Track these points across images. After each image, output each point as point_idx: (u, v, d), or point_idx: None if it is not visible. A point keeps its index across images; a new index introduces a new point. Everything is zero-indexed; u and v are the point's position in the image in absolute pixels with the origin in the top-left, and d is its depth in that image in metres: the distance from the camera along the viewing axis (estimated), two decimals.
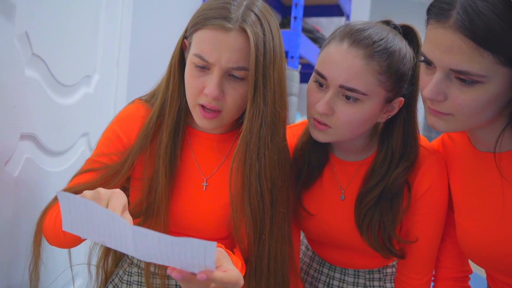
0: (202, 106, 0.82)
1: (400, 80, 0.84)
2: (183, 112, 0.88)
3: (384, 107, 0.86)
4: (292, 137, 0.99)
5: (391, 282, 1.04)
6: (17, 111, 0.91)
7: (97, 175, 0.87)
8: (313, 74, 0.87)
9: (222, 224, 0.90)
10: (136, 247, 0.60)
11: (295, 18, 2.15)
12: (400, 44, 0.84)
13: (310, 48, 2.42)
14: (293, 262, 0.94)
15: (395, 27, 0.89)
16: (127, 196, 0.91)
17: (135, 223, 0.84)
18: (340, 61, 0.81)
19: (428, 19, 0.75)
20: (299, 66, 2.14)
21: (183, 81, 0.85)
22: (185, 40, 0.87)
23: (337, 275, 1.06)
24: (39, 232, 0.87)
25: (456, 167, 0.90)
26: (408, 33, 0.90)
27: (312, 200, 0.99)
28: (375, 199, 0.89)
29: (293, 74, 2.10)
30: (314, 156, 0.96)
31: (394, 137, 0.89)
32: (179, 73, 0.87)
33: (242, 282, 0.70)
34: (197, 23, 0.81)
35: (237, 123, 0.91)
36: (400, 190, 0.89)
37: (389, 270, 1.06)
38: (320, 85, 0.85)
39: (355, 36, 0.81)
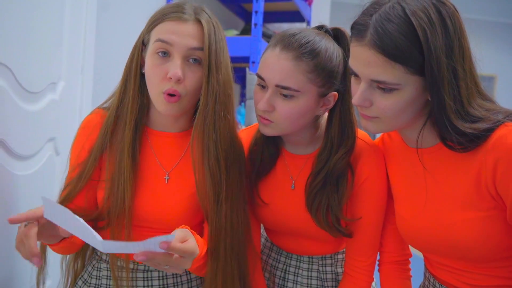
0: (166, 94, 0.90)
1: (329, 76, 0.95)
2: (141, 112, 0.96)
3: (320, 101, 0.97)
4: (247, 137, 1.10)
5: (341, 267, 1.14)
6: None
7: (70, 186, 0.95)
8: (256, 78, 0.97)
9: (186, 215, 0.97)
10: (104, 247, 0.71)
11: (255, 24, 2.24)
12: (327, 45, 0.95)
13: None
14: (250, 240, 1.03)
15: (326, 30, 1.00)
16: (94, 198, 0.98)
17: (100, 225, 0.91)
18: (274, 64, 0.93)
19: (350, 37, 0.86)
20: None
21: (142, 82, 0.95)
22: (142, 46, 0.96)
23: (293, 262, 1.14)
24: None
25: (393, 161, 1.01)
26: (337, 34, 1.01)
27: (266, 189, 1.08)
28: (321, 183, 0.99)
29: (254, 78, 2.18)
30: (267, 150, 1.06)
31: (332, 127, 0.99)
32: (138, 75, 0.95)
33: (197, 251, 0.81)
34: (155, 20, 0.93)
35: (191, 123, 1.01)
36: (342, 173, 0.99)
37: (340, 256, 1.15)
38: (263, 86, 0.96)
39: (285, 41, 0.93)
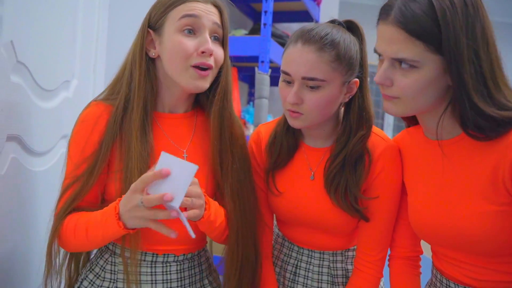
0: (196, 68, 0.95)
1: (350, 64, 1.00)
2: (150, 97, 0.98)
3: (343, 89, 1.02)
4: (265, 131, 1.16)
5: (352, 264, 1.15)
6: (4, 114, 0.98)
7: (79, 183, 0.94)
8: (281, 74, 1.02)
9: (208, 190, 1.02)
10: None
11: (264, 24, 2.25)
12: (344, 36, 1.00)
13: (280, 52, 2.52)
14: (259, 211, 1.10)
15: (339, 23, 1.05)
16: (103, 193, 0.99)
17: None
18: (298, 58, 0.97)
19: (378, 20, 0.91)
20: (269, 70, 2.24)
21: (148, 68, 0.97)
22: (149, 30, 0.98)
23: (304, 258, 1.16)
24: (51, 244, 0.95)
25: (411, 155, 1.04)
26: (350, 26, 1.06)
27: (282, 180, 1.12)
28: (340, 165, 1.04)
29: (263, 78, 2.20)
30: (286, 142, 1.10)
31: (351, 112, 1.05)
32: (145, 59, 0.97)
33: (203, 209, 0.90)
34: (173, 2, 0.96)
35: (192, 103, 1.08)
36: (359, 155, 1.04)
37: (350, 253, 1.17)
38: (288, 82, 1.00)
39: (306, 36, 0.98)
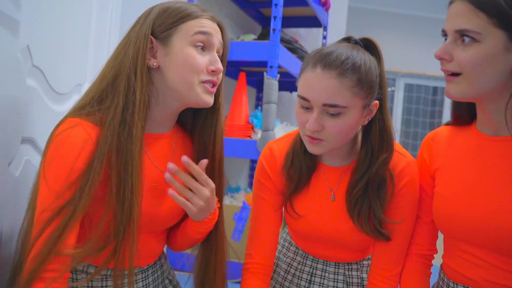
0: (205, 83, 0.95)
1: (371, 87, 0.96)
2: (146, 112, 0.91)
3: (364, 112, 0.98)
4: (279, 152, 1.11)
5: (367, 273, 1.16)
6: (19, 117, 1.00)
7: (62, 216, 0.83)
8: (298, 100, 0.99)
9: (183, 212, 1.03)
10: None
11: (274, 30, 2.27)
12: (364, 57, 0.96)
13: (289, 58, 2.55)
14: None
15: (355, 42, 1.01)
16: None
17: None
18: (318, 84, 0.93)
19: (449, 3, 0.91)
20: (278, 75, 2.26)
21: (149, 78, 0.92)
22: (151, 38, 0.92)
23: (319, 266, 1.16)
24: None
25: (449, 146, 1.03)
26: (368, 45, 1.02)
27: (301, 203, 1.10)
28: (362, 189, 1.02)
29: (272, 83, 2.22)
30: (304, 164, 1.07)
31: (372, 135, 1.02)
32: (146, 70, 0.91)
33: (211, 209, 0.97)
34: (186, 15, 0.94)
35: (174, 122, 1.04)
36: (383, 178, 1.02)
37: (365, 262, 1.17)
38: (306, 108, 0.97)
39: (325, 60, 0.94)
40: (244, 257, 1.13)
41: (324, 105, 0.93)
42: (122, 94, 0.88)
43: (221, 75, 0.99)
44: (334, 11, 3.66)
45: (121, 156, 0.86)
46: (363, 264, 1.17)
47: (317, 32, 3.77)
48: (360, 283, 1.15)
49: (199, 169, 0.93)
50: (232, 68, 2.96)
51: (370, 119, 1.01)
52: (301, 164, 1.07)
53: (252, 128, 2.45)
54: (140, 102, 0.88)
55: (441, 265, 1.07)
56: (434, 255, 1.11)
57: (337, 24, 3.75)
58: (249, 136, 2.43)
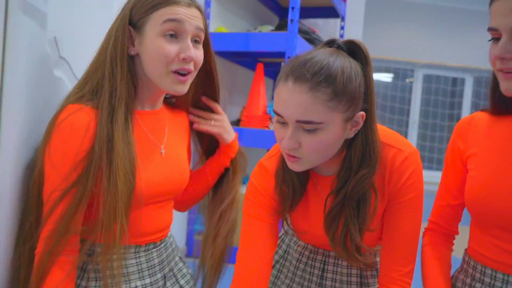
0: (176, 73, 0.96)
1: (352, 99, 0.86)
2: (130, 96, 0.97)
3: (347, 125, 0.89)
4: (272, 168, 1.02)
5: (379, 256, 1.10)
6: (48, 107, 1.04)
7: (72, 195, 0.90)
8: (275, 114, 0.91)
9: (187, 179, 1.12)
10: None
11: (291, 20, 2.28)
12: (343, 65, 0.86)
13: (306, 48, 2.55)
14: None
15: (338, 46, 0.91)
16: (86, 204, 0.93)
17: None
18: (289, 99, 0.84)
19: (490, 1, 0.90)
20: None
21: (129, 66, 0.96)
22: (129, 27, 0.96)
23: (332, 253, 1.12)
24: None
25: (488, 131, 1.02)
26: (352, 48, 0.91)
27: (301, 217, 1.05)
28: (339, 206, 0.94)
29: None
30: (296, 177, 0.99)
31: (353, 148, 0.92)
32: (126, 58, 0.96)
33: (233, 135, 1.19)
34: (157, 4, 0.94)
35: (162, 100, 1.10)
36: (363, 196, 0.93)
37: (379, 247, 1.14)
38: (282, 123, 0.89)
39: (297, 73, 0.84)
40: (231, 286, 1.01)
41: (298, 121, 0.85)
42: (108, 81, 0.94)
43: (199, 58, 1.00)
44: (352, 2, 3.64)
45: (108, 138, 0.92)
46: (376, 248, 1.11)
47: (335, 22, 3.76)
48: (375, 267, 1.13)
49: (208, 101, 1.16)
50: (250, 59, 2.98)
51: (356, 131, 0.91)
52: (292, 179, 0.99)
53: (270, 118, 2.47)
54: (122, 88, 0.94)
55: (465, 250, 1.07)
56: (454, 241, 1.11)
57: (355, 15, 3.73)
58: (267, 127, 2.46)
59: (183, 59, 0.95)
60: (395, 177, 0.95)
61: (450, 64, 6.20)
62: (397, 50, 6.03)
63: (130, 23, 0.97)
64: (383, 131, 0.98)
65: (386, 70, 6.37)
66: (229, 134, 1.19)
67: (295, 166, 0.91)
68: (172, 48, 0.95)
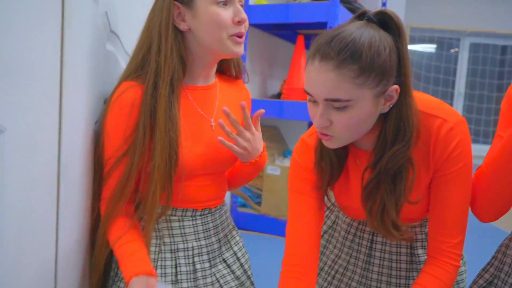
0: (234, 36, 1.03)
1: (382, 73, 0.84)
2: (177, 72, 1.01)
3: (379, 101, 0.87)
4: (313, 145, 1.03)
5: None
6: (102, 79, 1.08)
7: (124, 163, 1.01)
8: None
9: (232, 158, 1.14)
10: None
11: None
12: (370, 38, 0.84)
13: (348, 18, 2.49)
14: None
15: (368, 18, 0.89)
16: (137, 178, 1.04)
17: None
18: (316, 78, 0.85)
19: None
20: None
21: (178, 41, 1.01)
22: (176, 3, 1.01)
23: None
24: (105, 231, 1.04)
25: None
26: (383, 19, 0.88)
27: (341, 193, 1.06)
28: (375, 182, 0.94)
29: None
30: (334, 154, 0.99)
31: (388, 123, 0.91)
32: (174, 35, 1.01)
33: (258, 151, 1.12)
34: None
35: (213, 74, 1.15)
36: (399, 171, 0.92)
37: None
38: (314, 101, 0.89)
39: (322, 51, 0.84)
40: (283, 259, 1.04)
41: (326, 99, 0.85)
42: (154, 57, 1.01)
43: (247, 23, 1.06)
44: None
45: (151, 114, 1.00)
46: (425, 219, 1.10)
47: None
48: (424, 238, 1.11)
49: (246, 113, 1.07)
50: (290, 31, 2.95)
51: (391, 105, 0.89)
52: (330, 155, 0.99)
53: None
54: (167, 63, 1.00)
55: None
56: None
57: None
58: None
59: (238, 22, 1.02)
60: (440, 148, 0.93)
61: (499, 31, 5.88)
62: (442, 19, 5.79)
63: (177, 0, 1.02)
64: (428, 101, 0.96)
65: (430, 41, 6.15)
66: (249, 155, 1.10)
67: (329, 144, 0.93)
68: (227, 13, 1.01)
